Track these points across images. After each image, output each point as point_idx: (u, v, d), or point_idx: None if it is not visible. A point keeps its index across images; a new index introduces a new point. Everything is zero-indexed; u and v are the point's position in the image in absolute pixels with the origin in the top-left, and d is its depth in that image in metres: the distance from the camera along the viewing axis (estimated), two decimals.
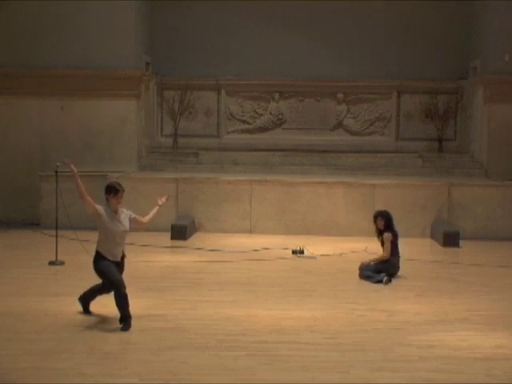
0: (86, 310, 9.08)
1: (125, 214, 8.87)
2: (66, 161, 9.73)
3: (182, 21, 18.71)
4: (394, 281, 11.27)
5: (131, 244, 13.99)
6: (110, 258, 8.69)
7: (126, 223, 8.85)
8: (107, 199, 8.78)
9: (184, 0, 18.59)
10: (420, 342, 8.07)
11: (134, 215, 9.02)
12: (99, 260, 8.71)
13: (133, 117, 17.25)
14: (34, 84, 16.83)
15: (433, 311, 9.46)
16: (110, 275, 8.61)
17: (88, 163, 16.79)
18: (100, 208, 8.71)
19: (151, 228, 15.41)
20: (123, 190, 8.84)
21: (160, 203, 9.43)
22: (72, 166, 9.16)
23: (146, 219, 9.19)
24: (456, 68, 18.60)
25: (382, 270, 11.32)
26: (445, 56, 18.60)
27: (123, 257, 8.90)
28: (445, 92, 18.49)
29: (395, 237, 11.67)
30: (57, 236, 12.42)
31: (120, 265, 8.83)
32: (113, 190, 8.74)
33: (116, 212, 8.76)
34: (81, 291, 10.20)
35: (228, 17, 18.79)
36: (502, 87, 16.99)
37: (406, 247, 14.01)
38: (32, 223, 16.14)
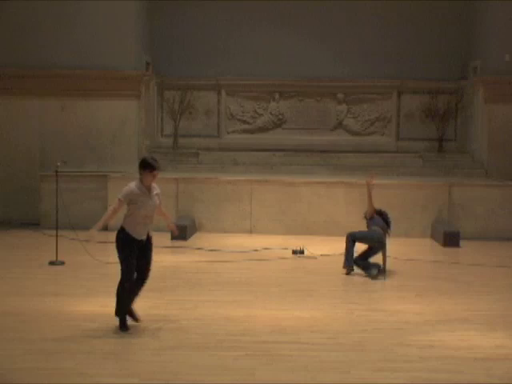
0: (134, 318, 8.57)
1: (156, 191, 8.47)
2: None
3: (183, 21, 18.72)
4: (393, 281, 11.29)
5: None
6: (135, 235, 8.33)
7: (157, 200, 8.47)
8: (141, 174, 8.31)
9: (184, 0, 18.61)
10: (420, 342, 8.07)
11: (159, 199, 8.57)
12: (123, 238, 8.34)
13: (133, 117, 17.25)
14: (34, 84, 16.82)
15: (433, 311, 9.46)
16: (125, 262, 8.30)
17: (88, 163, 16.82)
18: (131, 189, 8.26)
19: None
20: (159, 167, 8.45)
21: (170, 229, 9.11)
22: (93, 232, 8.52)
23: (163, 212, 8.82)
24: (456, 68, 18.62)
25: (370, 254, 11.56)
26: (445, 56, 18.61)
27: (150, 236, 8.54)
28: (445, 92, 18.51)
29: (382, 215, 11.94)
30: (57, 236, 12.41)
31: (146, 244, 8.46)
32: (149, 166, 8.26)
33: (149, 189, 8.34)
34: (81, 291, 10.23)
35: (228, 17, 18.80)
36: (503, 87, 16.99)
37: (406, 247, 14.03)
38: (32, 223, 16.14)
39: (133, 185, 8.32)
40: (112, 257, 12.84)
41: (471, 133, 18.27)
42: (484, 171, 17.34)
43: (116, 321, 8.44)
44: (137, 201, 8.27)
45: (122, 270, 8.38)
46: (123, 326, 8.33)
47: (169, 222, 9.01)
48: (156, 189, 8.48)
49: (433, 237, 15.44)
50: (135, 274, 8.45)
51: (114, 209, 8.35)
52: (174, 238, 13.29)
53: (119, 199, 8.31)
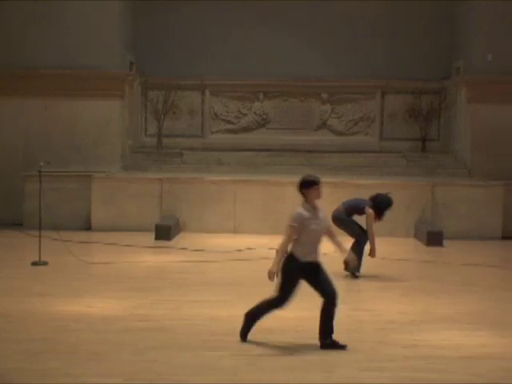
0: (245, 333, 8.07)
1: (322, 212, 8.00)
2: None
3: (167, 20, 18.67)
4: (378, 280, 11.35)
5: (115, 244, 14.00)
6: (304, 259, 7.82)
7: (327, 219, 8.11)
8: (305, 194, 7.88)
9: (168, 0, 18.56)
10: (405, 341, 8.08)
11: (327, 220, 8.18)
12: (291, 266, 7.84)
13: (117, 117, 17.20)
14: (19, 84, 16.73)
15: (417, 310, 9.49)
16: (285, 289, 7.89)
17: (73, 163, 16.74)
18: (301, 213, 7.82)
19: (135, 228, 15.46)
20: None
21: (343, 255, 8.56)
22: (273, 271, 7.95)
23: (336, 239, 8.27)
24: (440, 68, 18.65)
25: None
26: (429, 56, 18.65)
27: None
28: (428, 92, 18.54)
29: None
30: (40, 236, 12.34)
31: (319, 266, 7.99)
32: (314, 183, 7.88)
33: (315, 208, 7.90)
34: (65, 291, 10.19)
35: (212, 17, 18.76)
36: (485, 87, 17.05)
37: (391, 247, 14.07)
38: (16, 223, 16.04)
39: (300, 209, 7.87)
40: (96, 257, 12.90)
41: (454, 133, 18.33)
42: (467, 171, 17.40)
43: (105, 324, 8.41)
44: (307, 224, 7.81)
45: (278, 295, 7.96)
46: (243, 336, 8.04)
47: (342, 249, 8.37)
48: (322, 209, 8.04)
49: (416, 236, 15.48)
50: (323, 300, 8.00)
51: (288, 238, 7.85)
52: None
53: (291, 226, 7.81)
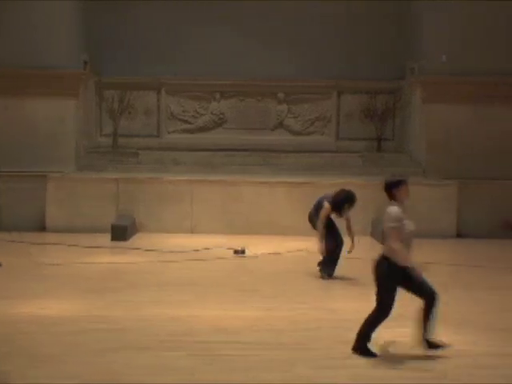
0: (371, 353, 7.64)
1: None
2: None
3: (122, 20, 18.51)
4: (336, 279, 11.39)
5: (70, 245, 13.87)
6: (401, 263, 7.49)
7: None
8: (394, 195, 7.60)
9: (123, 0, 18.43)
10: None
11: None
12: (388, 270, 7.52)
13: (71, 116, 17.02)
14: None
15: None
16: (388, 297, 7.54)
17: (28, 163, 16.51)
18: (400, 214, 7.52)
19: (91, 229, 15.33)
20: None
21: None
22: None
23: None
24: (395, 68, 18.77)
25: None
26: (384, 56, 18.75)
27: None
28: (384, 92, 18.66)
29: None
30: None
31: (412, 271, 7.56)
32: (403, 182, 7.59)
33: (403, 207, 7.61)
34: (18, 293, 10.05)
35: (168, 16, 18.68)
36: (440, 87, 17.22)
37: (348, 245, 14.12)
38: None
39: (396, 208, 7.56)
40: (51, 258, 12.76)
41: (409, 132, 18.48)
42: (422, 170, 17.55)
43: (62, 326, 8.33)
44: (403, 225, 7.52)
45: (381, 304, 7.63)
46: (369, 353, 7.65)
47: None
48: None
49: (372, 235, 15.58)
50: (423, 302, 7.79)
51: (396, 240, 7.48)
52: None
53: (394, 227, 7.50)
